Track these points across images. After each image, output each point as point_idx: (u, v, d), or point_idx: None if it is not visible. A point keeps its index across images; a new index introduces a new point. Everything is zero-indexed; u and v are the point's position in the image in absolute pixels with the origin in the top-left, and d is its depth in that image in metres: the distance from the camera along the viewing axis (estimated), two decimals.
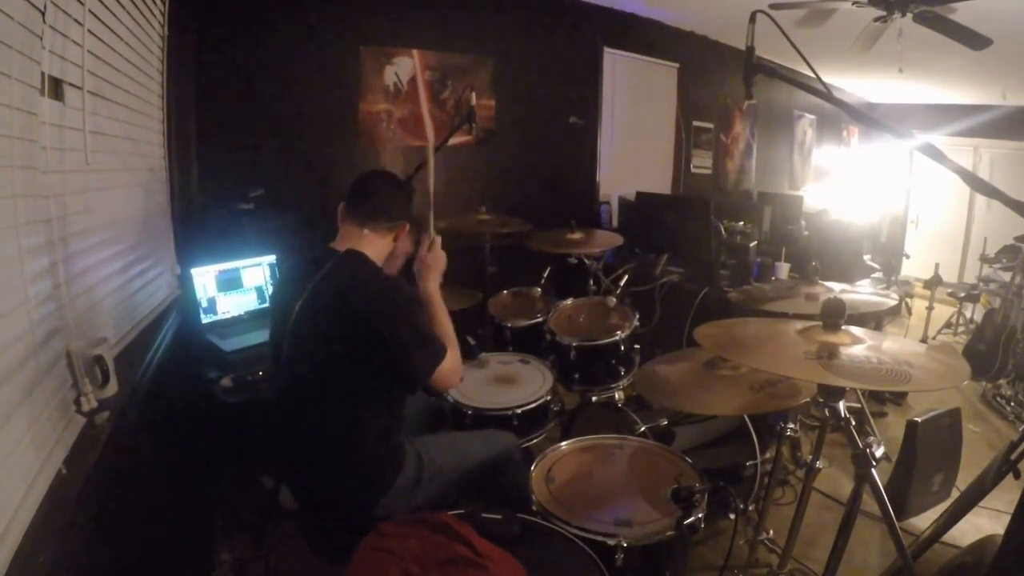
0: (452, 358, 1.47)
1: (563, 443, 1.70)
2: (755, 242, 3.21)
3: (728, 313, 2.37)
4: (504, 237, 2.94)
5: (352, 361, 1.36)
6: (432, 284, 1.62)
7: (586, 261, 2.99)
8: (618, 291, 2.90)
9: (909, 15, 2.94)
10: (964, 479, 2.41)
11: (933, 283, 4.71)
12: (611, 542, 1.28)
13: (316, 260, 1.44)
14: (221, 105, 2.67)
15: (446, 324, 1.57)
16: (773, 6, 2.49)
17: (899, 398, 3.41)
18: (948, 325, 4.98)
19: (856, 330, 1.40)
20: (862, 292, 2.19)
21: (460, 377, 1.52)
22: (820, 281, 2.13)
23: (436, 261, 1.64)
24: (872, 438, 1.35)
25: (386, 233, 1.51)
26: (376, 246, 1.49)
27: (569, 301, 2.61)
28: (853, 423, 1.37)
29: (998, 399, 3.48)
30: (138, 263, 1.83)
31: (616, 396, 2.30)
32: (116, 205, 1.69)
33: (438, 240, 1.68)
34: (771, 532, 1.99)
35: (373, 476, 1.42)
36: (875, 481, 1.31)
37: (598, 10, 4.03)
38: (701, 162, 5.21)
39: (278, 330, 1.45)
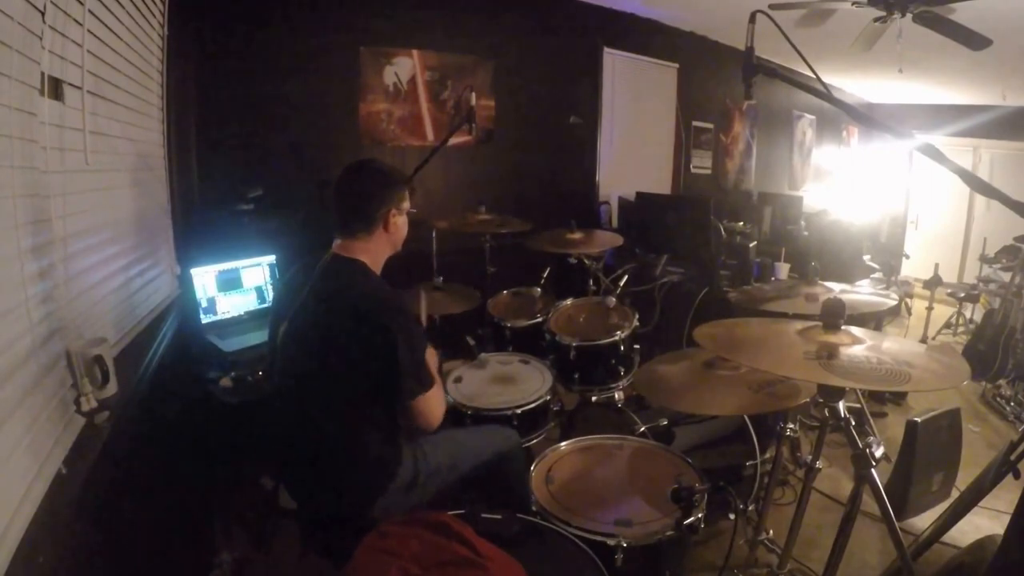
0: (438, 397, 1.45)
1: (563, 443, 1.70)
2: (755, 242, 3.21)
3: (728, 313, 2.36)
4: (504, 237, 2.94)
5: (349, 365, 1.36)
6: None
7: (586, 261, 2.99)
8: (618, 291, 2.90)
9: (909, 15, 2.94)
10: (964, 479, 2.41)
11: (933, 283, 4.71)
12: (611, 542, 1.29)
13: (312, 266, 1.45)
14: (221, 105, 2.67)
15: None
16: (773, 6, 2.48)
17: (899, 398, 3.41)
18: (948, 325, 4.98)
19: (856, 330, 1.40)
20: (862, 292, 2.19)
21: (437, 421, 1.46)
22: (820, 281, 2.12)
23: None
24: (872, 438, 1.35)
25: (373, 230, 1.47)
26: (370, 246, 1.47)
27: (569, 301, 2.61)
28: (853, 423, 1.37)
29: (998, 399, 3.48)
30: (138, 263, 1.83)
31: (616, 396, 2.30)
32: (116, 205, 1.69)
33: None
34: (771, 532, 1.98)
35: (369, 477, 1.42)
36: (875, 481, 1.31)
37: (598, 10, 4.03)
38: (701, 162, 5.21)
39: (275, 334, 1.46)
